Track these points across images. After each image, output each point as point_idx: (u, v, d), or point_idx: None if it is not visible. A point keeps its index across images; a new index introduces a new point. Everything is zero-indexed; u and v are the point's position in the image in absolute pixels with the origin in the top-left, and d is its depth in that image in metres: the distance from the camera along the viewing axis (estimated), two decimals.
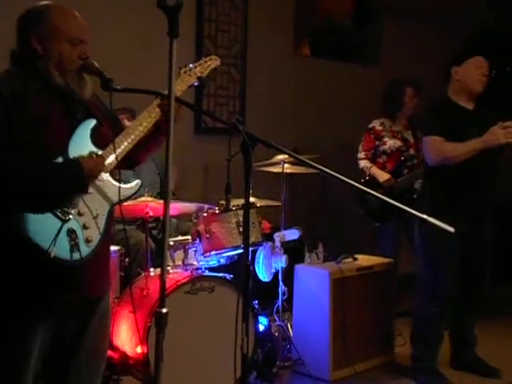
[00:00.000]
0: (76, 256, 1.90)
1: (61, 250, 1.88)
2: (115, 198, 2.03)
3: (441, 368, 3.66)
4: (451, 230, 1.84)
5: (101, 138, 2.03)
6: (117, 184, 2.04)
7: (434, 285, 3.56)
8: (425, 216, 1.85)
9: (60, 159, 1.94)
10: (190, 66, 2.27)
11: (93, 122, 2.04)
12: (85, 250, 1.93)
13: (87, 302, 2.06)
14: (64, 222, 1.90)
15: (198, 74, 2.26)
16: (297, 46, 5.75)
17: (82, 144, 2.00)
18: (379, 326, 3.91)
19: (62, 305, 2.00)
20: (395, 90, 4.66)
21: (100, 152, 2.01)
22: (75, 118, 2.02)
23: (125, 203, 3.17)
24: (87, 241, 1.94)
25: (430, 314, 3.56)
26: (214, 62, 2.36)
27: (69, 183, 1.92)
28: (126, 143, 2.04)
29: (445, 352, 3.77)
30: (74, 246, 1.89)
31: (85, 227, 1.94)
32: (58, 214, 1.89)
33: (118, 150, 2.01)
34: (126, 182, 2.10)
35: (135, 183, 2.12)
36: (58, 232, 1.87)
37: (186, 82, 2.23)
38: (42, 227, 1.86)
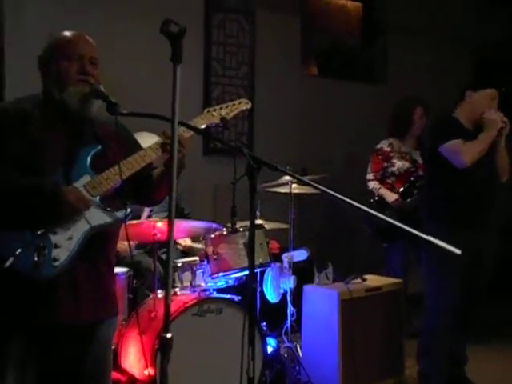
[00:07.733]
0: (37, 273, 1.86)
1: (24, 264, 1.85)
2: (94, 223, 1.98)
3: None
4: (458, 252, 1.81)
5: (107, 165, 2.00)
6: (99, 209, 1.99)
7: (437, 297, 3.52)
8: (431, 238, 1.82)
9: (52, 179, 1.94)
10: (216, 107, 2.26)
11: (96, 148, 2.03)
12: (49, 268, 1.89)
13: (74, 329, 1.98)
14: (34, 237, 1.88)
15: (223, 115, 2.23)
16: (304, 65, 5.78)
17: (78, 167, 2.00)
18: (389, 347, 3.87)
19: (38, 328, 1.93)
20: (404, 109, 4.63)
21: (95, 176, 1.99)
22: (78, 139, 2.03)
23: (131, 225, 3.25)
24: (54, 259, 1.90)
25: (435, 326, 3.52)
26: (243, 105, 2.32)
27: (41, 205, 1.89)
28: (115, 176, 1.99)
29: None
30: (39, 263, 1.86)
31: (56, 246, 1.91)
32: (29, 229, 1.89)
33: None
34: (115, 210, 2.02)
35: (121, 212, 2.02)
36: (25, 245, 1.86)
37: (206, 121, 2.19)
38: (10, 238, 1.86)
